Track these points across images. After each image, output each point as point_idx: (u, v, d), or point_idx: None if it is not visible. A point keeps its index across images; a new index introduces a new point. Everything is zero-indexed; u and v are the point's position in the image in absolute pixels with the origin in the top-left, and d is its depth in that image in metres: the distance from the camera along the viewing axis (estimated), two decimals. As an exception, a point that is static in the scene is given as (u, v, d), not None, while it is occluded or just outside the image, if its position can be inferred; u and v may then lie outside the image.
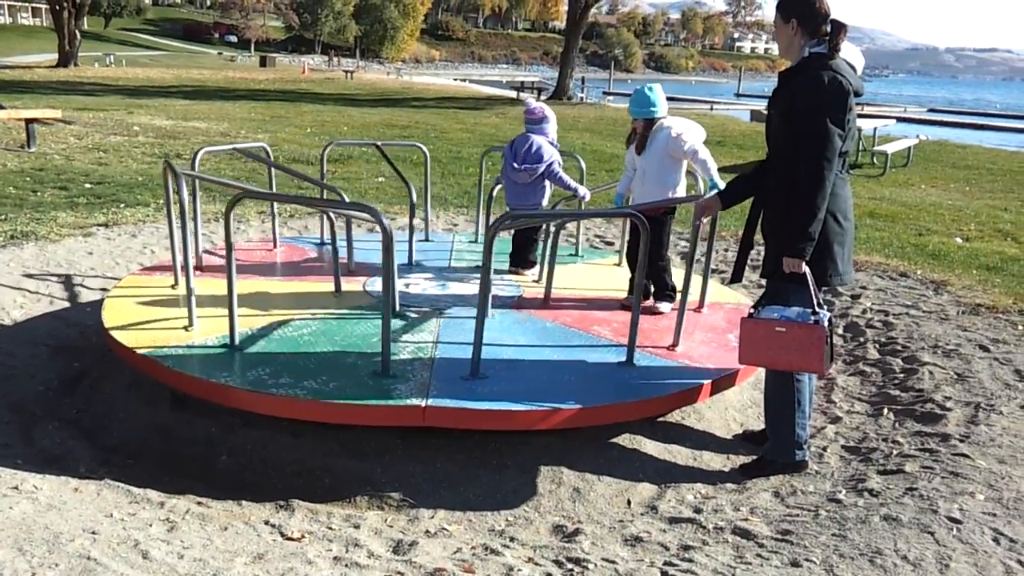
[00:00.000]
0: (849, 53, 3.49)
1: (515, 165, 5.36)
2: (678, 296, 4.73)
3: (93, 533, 2.91)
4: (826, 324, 3.37)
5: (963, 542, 3.03)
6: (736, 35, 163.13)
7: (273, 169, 6.32)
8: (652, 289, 5.02)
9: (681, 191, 4.85)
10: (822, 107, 3.32)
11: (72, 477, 3.53)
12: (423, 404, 3.54)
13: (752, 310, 3.57)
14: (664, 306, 4.97)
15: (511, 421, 3.58)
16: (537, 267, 5.63)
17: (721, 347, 4.44)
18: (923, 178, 13.90)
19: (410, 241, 5.90)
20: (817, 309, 3.41)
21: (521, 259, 5.71)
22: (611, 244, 7.91)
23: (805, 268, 3.40)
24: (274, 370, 3.83)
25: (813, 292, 3.42)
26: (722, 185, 4.30)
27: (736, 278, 3.95)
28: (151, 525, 3.09)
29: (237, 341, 4.07)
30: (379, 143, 6.80)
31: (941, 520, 3.18)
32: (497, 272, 5.43)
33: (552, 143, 5.47)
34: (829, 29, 3.41)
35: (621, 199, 5.10)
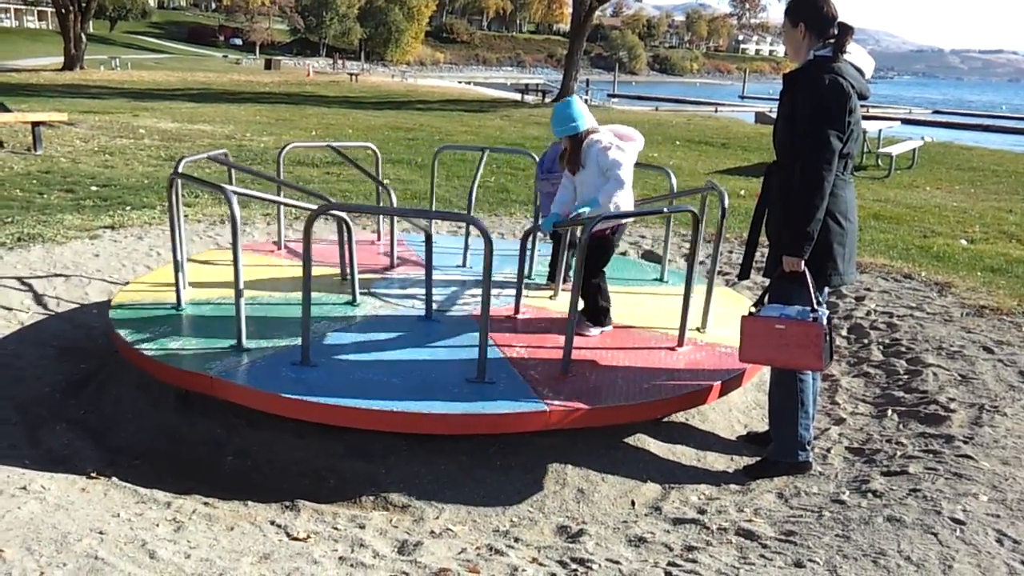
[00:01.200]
0: (857, 56, 3.50)
1: (541, 175, 5.25)
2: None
3: (100, 533, 2.93)
4: (824, 322, 3.40)
5: (967, 543, 3.04)
6: (741, 37, 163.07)
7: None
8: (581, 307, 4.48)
9: (628, 204, 4.41)
10: (820, 109, 3.35)
11: (79, 477, 3.56)
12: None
13: (753, 308, 3.59)
14: (593, 329, 4.59)
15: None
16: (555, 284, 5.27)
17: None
18: (928, 180, 13.88)
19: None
20: (816, 307, 3.43)
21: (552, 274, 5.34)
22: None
23: (803, 267, 3.43)
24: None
25: (812, 291, 3.45)
26: (595, 211, 4.14)
27: (743, 275, 3.98)
28: (158, 525, 3.11)
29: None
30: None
31: (945, 521, 3.18)
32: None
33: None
34: (837, 32, 3.44)
35: (557, 219, 4.55)
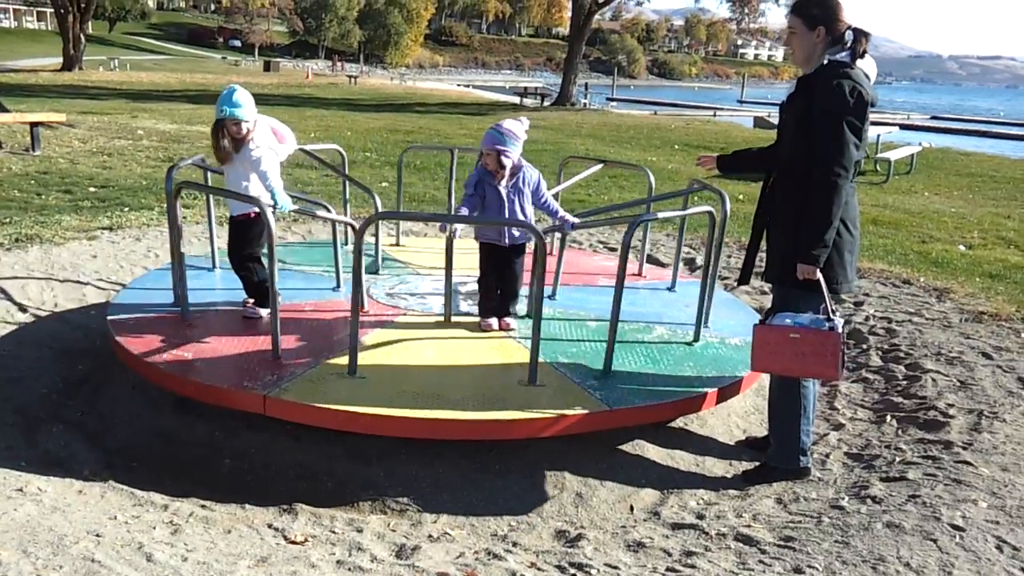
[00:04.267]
0: (864, 61, 3.48)
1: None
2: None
3: (97, 536, 2.92)
4: (840, 330, 3.38)
5: (966, 550, 3.03)
6: (739, 42, 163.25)
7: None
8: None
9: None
10: (842, 115, 3.29)
11: (76, 480, 3.55)
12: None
13: (763, 318, 3.57)
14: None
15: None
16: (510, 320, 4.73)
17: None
18: (926, 185, 13.89)
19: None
20: (831, 315, 3.41)
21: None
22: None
23: (819, 275, 3.40)
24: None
25: (827, 299, 3.42)
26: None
27: (744, 280, 3.97)
28: (155, 528, 3.10)
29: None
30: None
31: (944, 527, 3.18)
32: None
33: None
34: (851, 37, 3.40)
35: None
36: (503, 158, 4.30)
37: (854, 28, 3.41)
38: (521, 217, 4.42)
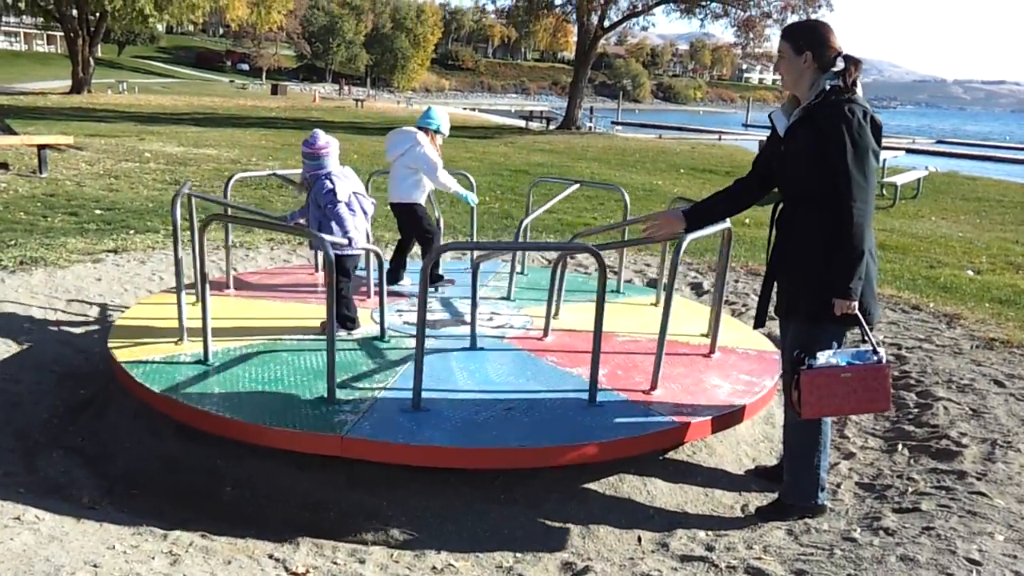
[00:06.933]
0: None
1: None
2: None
3: (95, 566, 2.86)
4: (886, 361, 3.32)
5: (983, 585, 2.95)
6: (744, 66, 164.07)
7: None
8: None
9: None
10: (857, 147, 3.22)
11: (75, 507, 3.49)
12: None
13: (798, 361, 3.40)
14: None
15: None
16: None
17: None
18: (933, 210, 13.86)
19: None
20: (876, 347, 3.34)
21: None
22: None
23: (855, 307, 3.31)
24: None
25: (867, 331, 3.34)
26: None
27: (759, 323, 3.86)
28: (154, 558, 3.04)
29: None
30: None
31: (960, 561, 3.10)
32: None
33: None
34: (843, 64, 3.36)
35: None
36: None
37: (845, 55, 3.36)
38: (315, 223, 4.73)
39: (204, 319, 4.21)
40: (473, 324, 4.76)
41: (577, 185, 6.34)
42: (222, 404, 3.78)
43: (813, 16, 31.91)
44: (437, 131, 5.68)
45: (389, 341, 4.77)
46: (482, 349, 4.73)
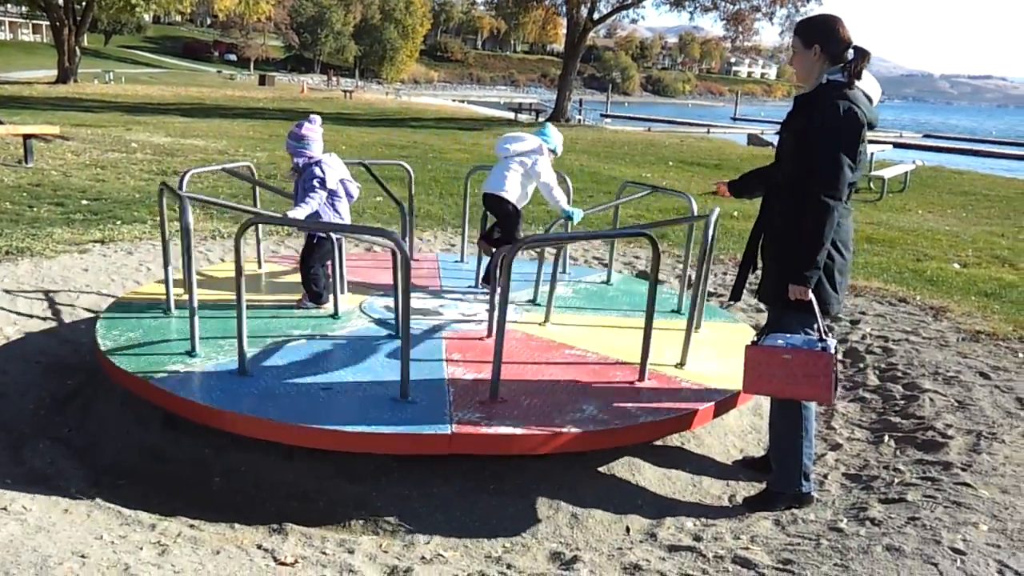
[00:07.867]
0: (866, 82, 3.45)
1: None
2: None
3: (82, 556, 2.85)
4: (832, 351, 3.34)
5: (967, 574, 2.98)
6: (733, 59, 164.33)
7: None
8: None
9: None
10: (836, 137, 3.28)
11: (62, 498, 3.47)
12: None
13: (756, 338, 3.53)
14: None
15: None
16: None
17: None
18: (920, 203, 13.93)
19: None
20: (824, 336, 3.38)
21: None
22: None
23: (811, 296, 3.37)
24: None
25: (819, 320, 3.39)
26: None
27: (735, 297, 3.92)
28: (142, 548, 3.03)
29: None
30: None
31: (944, 551, 3.13)
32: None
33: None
34: (852, 56, 3.38)
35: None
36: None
37: (856, 47, 3.39)
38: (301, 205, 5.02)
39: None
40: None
41: (650, 191, 6.34)
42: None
43: (803, 10, 31.99)
44: (553, 151, 5.60)
45: (340, 318, 4.92)
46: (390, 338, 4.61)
